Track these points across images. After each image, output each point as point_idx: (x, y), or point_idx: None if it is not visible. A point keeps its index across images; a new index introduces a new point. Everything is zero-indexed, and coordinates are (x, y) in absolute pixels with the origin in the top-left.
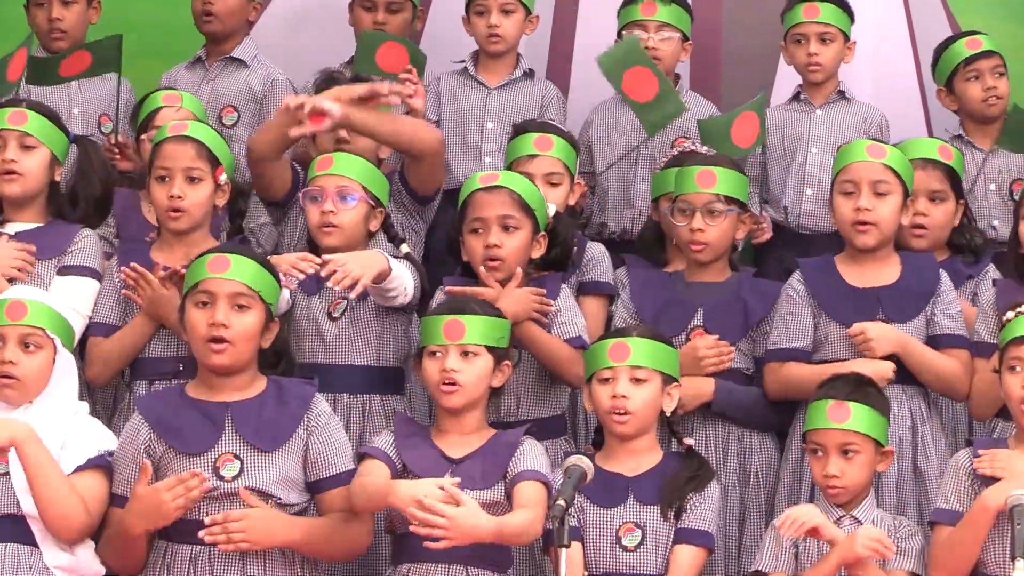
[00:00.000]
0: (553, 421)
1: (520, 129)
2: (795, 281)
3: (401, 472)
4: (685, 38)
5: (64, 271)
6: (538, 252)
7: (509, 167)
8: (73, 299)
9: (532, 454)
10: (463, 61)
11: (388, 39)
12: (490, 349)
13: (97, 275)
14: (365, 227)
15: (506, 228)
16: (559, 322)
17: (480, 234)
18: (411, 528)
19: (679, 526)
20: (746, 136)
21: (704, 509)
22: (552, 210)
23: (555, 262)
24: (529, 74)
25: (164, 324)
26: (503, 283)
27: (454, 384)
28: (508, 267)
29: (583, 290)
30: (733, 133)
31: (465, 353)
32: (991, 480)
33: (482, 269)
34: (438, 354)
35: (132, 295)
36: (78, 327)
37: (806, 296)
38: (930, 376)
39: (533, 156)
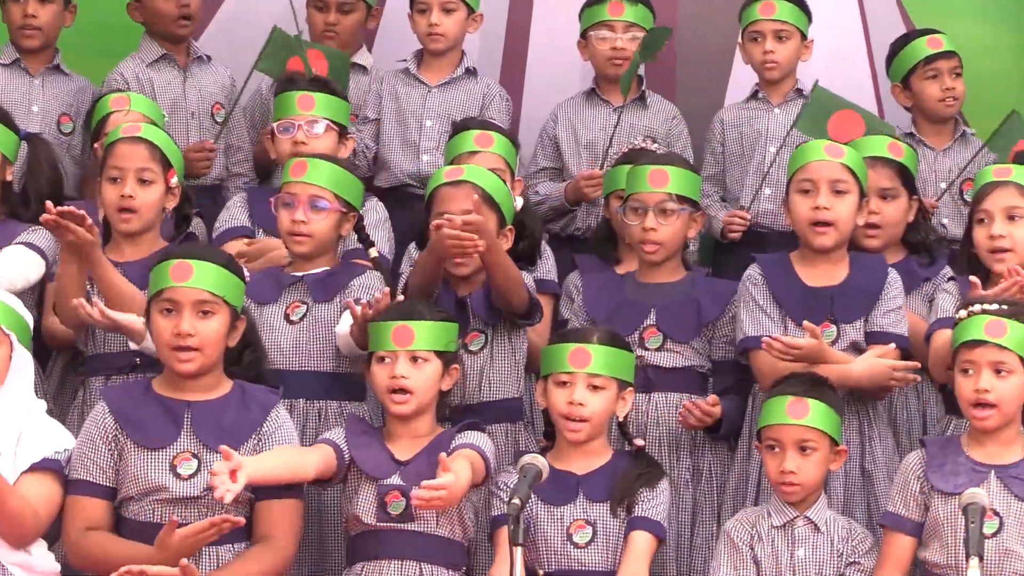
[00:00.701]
0: (512, 403)
1: (460, 127)
2: (754, 272)
3: (348, 466)
4: None
5: (15, 244)
6: (505, 245)
7: (450, 164)
8: (18, 267)
9: (471, 436)
10: (406, 60)
11: (309, 47)
12: (439, 354)
13: (45, 256)
14: (336, 234)
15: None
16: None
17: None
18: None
19: (632, 516)
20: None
21: (655, 503)
22: (520, 203)
23: (523, 255)
24: (472, 72)
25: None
26: (469, 278)
27: (404, 391)
28: (474, 261)
29: None
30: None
31: (415, 359)
32: (941, 483)
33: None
34: (387, 360)
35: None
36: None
37: (765, 287)
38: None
39: (474, 152)
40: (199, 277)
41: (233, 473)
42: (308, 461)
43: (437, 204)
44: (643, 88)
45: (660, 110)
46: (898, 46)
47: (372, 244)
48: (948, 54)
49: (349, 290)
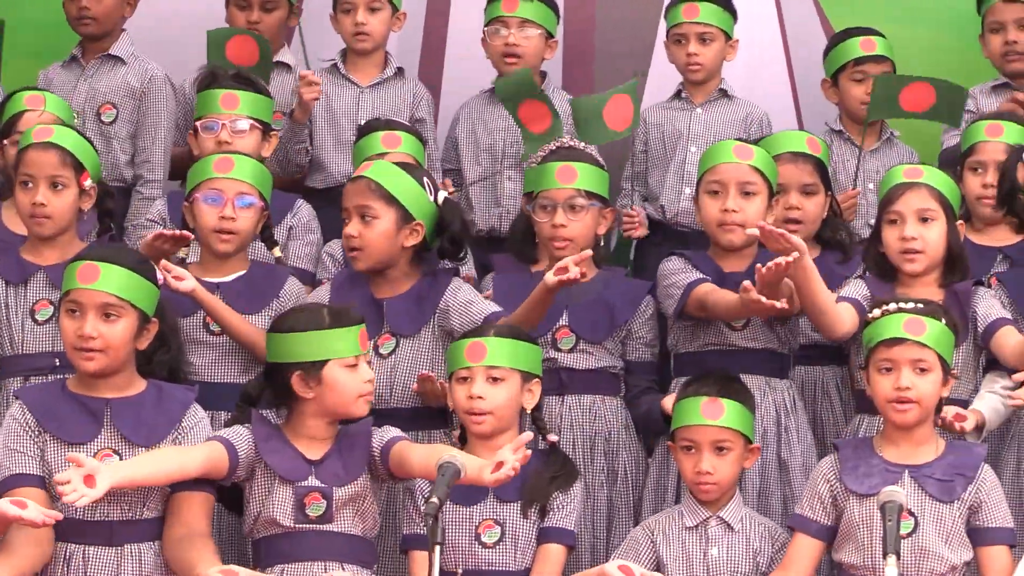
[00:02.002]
0: (425, 411)
1: (365, 129)
2: (675, 257)
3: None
4: (550, 35)
5: None
6: (413, 240)
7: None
8: None
9: (392, 431)
10: (332, 60)
11: (236, 33)
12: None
13: None
14: (255, 233)
15: (363, 218)
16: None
17: (346, 224)
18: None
19: (543, 525)
20: (620, 120)
21: (569, 509)
22: (442, 197)
23: (447, 252)
24: (399, 73)
25: None
26: (389, 281)
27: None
28: (368, 256)
29: None
30: (606, 115)
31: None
32: (855, 485)
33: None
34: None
35: None
36: None
37: (688, 263)
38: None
39: (382, 154)
40: (105, 280)
41: (90, 478)
42: (190, 459)
43: (342, 200)
44: (545, 84)
45: (565, 109)
46: (835, 42)
47: (276, 244)
48: (879, 58)
49: (282, 301)
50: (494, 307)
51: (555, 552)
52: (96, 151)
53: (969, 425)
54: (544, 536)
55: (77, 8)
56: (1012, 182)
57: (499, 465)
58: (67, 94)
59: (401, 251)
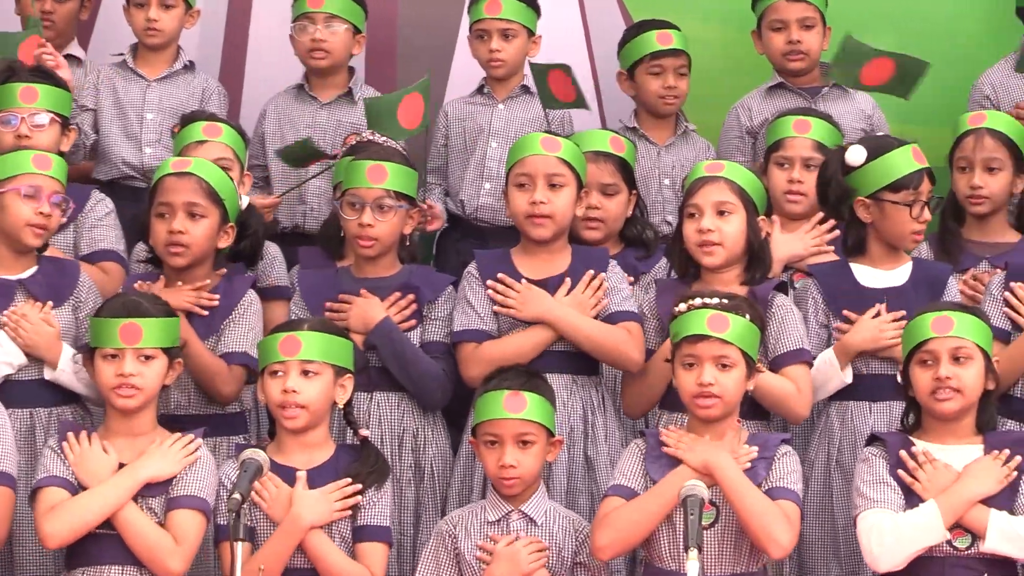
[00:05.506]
0: (232, 418)
1: (188, 118)
2: (472, 269)
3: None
4: (357, 31)
5: None
6: (225, 242)
7: (178, 155)
8: None
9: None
10: (122, 54)
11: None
12: (165, 350)
13: None
14: (213, 245)
15: (192, 215)
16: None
17: (165, 219)
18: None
19: (358, 523)
20: (412, 118)
21: (381, 507)
22: (245, 202)
23: (244, 255)
24: (189, 67)
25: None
26: (186, 270)
27: (134, 388)
28: (191, 254)
29: (263, 295)
30: (400, 114)
31: (144, 357)
32: (659, 475)
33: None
34: (116, 357)
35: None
36: None
37: (480, 287)
38: (588, 347)
39: (202, 142)
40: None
41: None
42: None
43: (160, 194)
44: (353, 80)
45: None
46: (630, 35)
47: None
48: (675, 52)
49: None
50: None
51: (377, 551)
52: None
53: None
54: (361, 535)
55: None
56: (839, 185)
57: None
58: None
59: (212, 252)
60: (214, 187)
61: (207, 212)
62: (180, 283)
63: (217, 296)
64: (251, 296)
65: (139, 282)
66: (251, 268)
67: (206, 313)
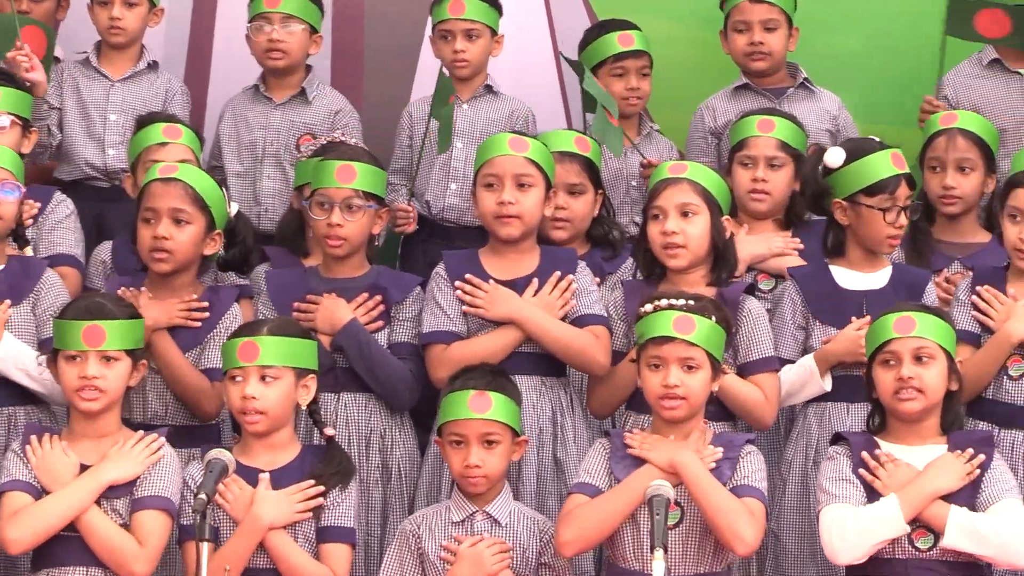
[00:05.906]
0: (207, 429)
1: (146, 120)
2: (440, 269)
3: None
4: (314, 31)
5: None
6: (212, 249)
7: (137, 157)
8: None
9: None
10: (86, 52)
11: (27, 23)
12: (129, 352)
13: None
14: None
15: (177, 221)
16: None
17: (151, 224)
18: None
19: (321, 525)
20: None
21: (346, 507)
22: (235, 209)
23: (234, 263)
24: (153, 66)
25: None
26: (170, 276)
27: (97, 390)
28: (175, 260)
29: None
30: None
31: (107, 358)
32: (623, 474)
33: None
34: (78, 359)
35: None
36: None
37: (449, 288)
38: (555, 349)
39: (163, 144)
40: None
41: None
42: None
43: (146, 199)
44: (310, 77)
45: (323, 105)
46: (591, 36)
47: (28, 243)
48: (637, 53)
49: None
50: None
51: (342, 552)
52: None
53: None
54: (324, 535)
55: None
56: (818, 184)
57: None
58: None
59: (197, 259)
60: (200, 194)
61: (192, 219)
62: (165, 291)
63: (207, 304)
64: (235, 310)
65: (122, 288)
66: (241, 275)
67: (198, 325)
